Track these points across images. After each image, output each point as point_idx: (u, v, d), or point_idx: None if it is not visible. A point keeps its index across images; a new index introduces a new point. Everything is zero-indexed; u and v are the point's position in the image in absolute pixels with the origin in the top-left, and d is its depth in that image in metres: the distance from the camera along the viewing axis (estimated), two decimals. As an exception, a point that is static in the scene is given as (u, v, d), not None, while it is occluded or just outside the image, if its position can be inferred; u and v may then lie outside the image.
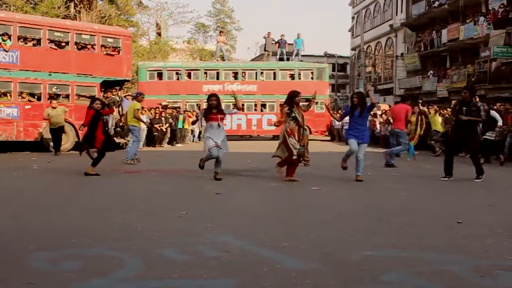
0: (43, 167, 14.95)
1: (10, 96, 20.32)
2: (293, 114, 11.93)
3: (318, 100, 31.56)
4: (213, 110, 12.10)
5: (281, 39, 36.97)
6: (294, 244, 5.98)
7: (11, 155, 19.06)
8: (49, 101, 20.44)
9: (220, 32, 42.64)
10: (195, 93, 32.49)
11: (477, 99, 13.62)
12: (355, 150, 12.27)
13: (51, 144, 20.18)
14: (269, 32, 38.01)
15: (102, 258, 5.38)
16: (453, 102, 16.01)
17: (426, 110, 20.11)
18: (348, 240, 6.29)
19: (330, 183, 11.93)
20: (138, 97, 16.85)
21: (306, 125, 12.66)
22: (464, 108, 12.33)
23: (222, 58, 37.32)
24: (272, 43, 38.11)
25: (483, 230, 6.94)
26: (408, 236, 6.55)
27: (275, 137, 25.54)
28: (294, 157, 11.86)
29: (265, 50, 39.55)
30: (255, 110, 33.39)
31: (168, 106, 28.63)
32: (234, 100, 12.81)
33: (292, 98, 12.11)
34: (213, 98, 12.19)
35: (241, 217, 7.91)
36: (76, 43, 21.74)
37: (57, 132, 19.81)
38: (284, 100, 12.37)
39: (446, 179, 12.41)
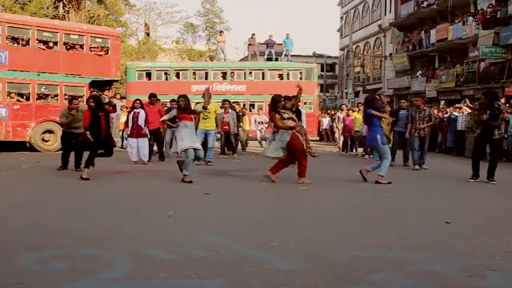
0: (32, 167, 14.89)
1: (-1, 96, 20.27)
2: (286, 116, 11.94)
3: (307, 100, 31.74)
4: (186, 110, 12.02)
5: (269, 39, 36.92)
6: (282, 244, 5.99)
7: (-1, 155, 19.00)
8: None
9: (221, 32, 42.61)
10: (183, 93, 32.39)
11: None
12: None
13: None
14: (253, 34, 38.06)
15: (90, 258, 5.38)
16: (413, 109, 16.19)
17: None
18: (336, 240, 6.30)
19: (319, 183, 11.94)
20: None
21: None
22: (488, 111, 12.44)
23: (222, 58, 37.31)
24: (259, 43, 38.04)
25: (471, 230, 6.99)
26: (396, 236, 6.58)
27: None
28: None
29: (248, 50, 39.54)
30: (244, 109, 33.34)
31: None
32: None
33: (276, 103, 12.14)
34: (181, 99, 12.07)
35: (230, 217, 7.91)
36: (64, 43, 21.68)
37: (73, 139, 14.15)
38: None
39: (473, 180, 12.54)
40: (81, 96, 21.29)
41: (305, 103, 31.20)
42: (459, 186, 11.94)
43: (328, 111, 38.52)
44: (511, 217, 8.38)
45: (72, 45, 21.98)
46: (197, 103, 22.93)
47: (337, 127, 25.99)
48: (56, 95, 21.25)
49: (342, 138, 23.21)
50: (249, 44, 38.42)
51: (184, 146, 11.66)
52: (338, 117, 24.78)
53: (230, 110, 19.76)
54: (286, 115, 11.91)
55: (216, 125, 16.80)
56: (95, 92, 20.49)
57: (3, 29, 20.26)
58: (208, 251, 5.65)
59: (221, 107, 18.78)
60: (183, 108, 12.00)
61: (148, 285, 4.63)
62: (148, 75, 32.97)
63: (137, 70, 33.06)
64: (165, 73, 33.32)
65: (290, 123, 11.89)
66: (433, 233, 6.77)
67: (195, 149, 11.72)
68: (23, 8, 34.49)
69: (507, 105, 20.22)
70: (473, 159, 12.94)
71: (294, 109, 14.68)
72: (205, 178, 12.63)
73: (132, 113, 16.44)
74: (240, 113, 22.28)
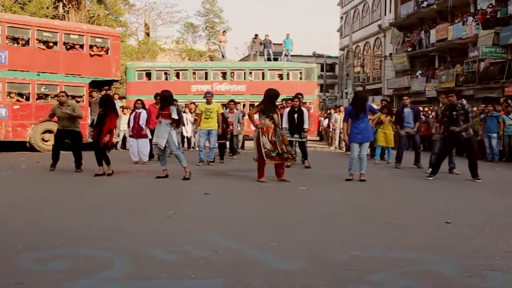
0: (32, 167, 14.89)
1: (-1, 96, 20.28)
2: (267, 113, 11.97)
3: (307, 100, 31.70)
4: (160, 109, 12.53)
5: (265, 39, 36.79)
6: (282, 244, 5.98)
7: (-1, 155, 18.99)
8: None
9: (223, 32, 42.64)
10: (183, 93, 32.32)
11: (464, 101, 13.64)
12: (356, 157, 12.28)
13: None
14: (256, 34, 37.99)
15: (90, 258, 5.37)
16: (440, 107, 15.63)
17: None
18: (336, 240, 6.29)
19: (318, 183, 11.95)
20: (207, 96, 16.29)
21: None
22: (454, 112, 12.42)
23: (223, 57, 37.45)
24: (261, 44, 38.01)
25: (471, 230, 6.98)
26: (396, 236, 6.57)
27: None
28: (267, 160, 11.86)
29: (251, 49, 39.52)
30: (244, 110, 33.30)
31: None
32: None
33: (274, 99, 12.19)
34: (156, 98, 12.67)
35: (229, 217, 7.90)
36: (64, 43, 21.74)
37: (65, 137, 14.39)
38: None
39: (432, 177, 12.64)
40: (80, 96, 21.36)
41: (304, 103, 31.14)
42: (459, 186, 11.93)
43: (328, 111, 38.53)
44: (511, 217, 8.38)
45: (72, 45, 22.02)
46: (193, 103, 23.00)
47: (331, 127, 25.99)
48: (56, 95, 21.22)
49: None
50: (252, 44, 38.37)
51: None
52: (335, 118, 24.76)
53: (235, 110, 19.74)
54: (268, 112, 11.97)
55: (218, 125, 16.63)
56: (104, 92, 20.63)
57: (3, 29, 20.29)
58: (208, 251, 5.64)
59: (225, 106, 18.78)
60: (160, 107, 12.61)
61: (148, 285, 4.62)
62: (148, 75, 32.90)
63: (137, 70, 32.99)
64: (165, 73, 33.25)
65: (259, 120, 12.17)
66: (433, 233, 6.76)
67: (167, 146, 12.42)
68: (23, 8, 34.45)
69: (506, 105, 20.21)
70: (437, 158, 13.22)
71: (296, 109, 14.77)
72: (205, 178, 12.63)
73: (134, 113, 16.48)
74: (241, 114, 22.20)
